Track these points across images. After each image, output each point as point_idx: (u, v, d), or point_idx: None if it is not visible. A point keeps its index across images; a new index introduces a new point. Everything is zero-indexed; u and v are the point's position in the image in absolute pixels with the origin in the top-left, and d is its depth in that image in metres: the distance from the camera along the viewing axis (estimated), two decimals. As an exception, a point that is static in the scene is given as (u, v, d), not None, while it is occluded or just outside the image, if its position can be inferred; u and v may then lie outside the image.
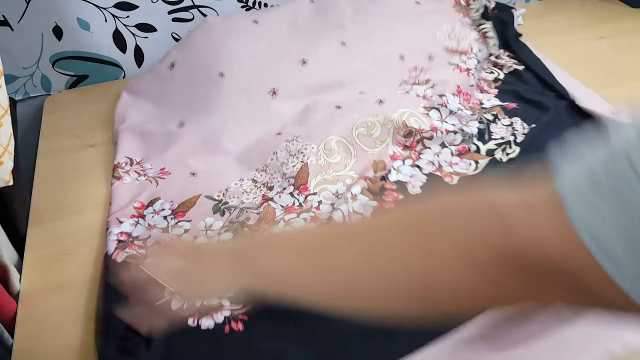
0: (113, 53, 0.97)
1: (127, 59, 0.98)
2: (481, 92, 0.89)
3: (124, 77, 1.00)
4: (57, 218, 0.72)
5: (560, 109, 0.86)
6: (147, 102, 0.88)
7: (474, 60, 0.93)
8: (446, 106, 0.82)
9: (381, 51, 0.90)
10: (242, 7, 1.00)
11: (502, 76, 0.94)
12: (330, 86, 0.86)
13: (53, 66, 0.94)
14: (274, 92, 0.84)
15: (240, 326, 0.57)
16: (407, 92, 0.86)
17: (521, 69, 0.95)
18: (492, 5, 1.06)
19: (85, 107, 0.93)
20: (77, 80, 0.98)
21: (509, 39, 1.02)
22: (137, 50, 0.98)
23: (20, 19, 0.86)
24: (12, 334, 0.59)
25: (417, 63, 0.90)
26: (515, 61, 0.97)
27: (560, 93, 0.89)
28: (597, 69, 0.96)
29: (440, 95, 0.84)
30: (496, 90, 0.90)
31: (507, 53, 0.99)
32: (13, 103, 0.93)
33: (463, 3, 1.02)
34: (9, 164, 0.61)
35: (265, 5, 1.01)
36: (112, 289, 0.59)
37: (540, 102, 0.86)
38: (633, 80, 0.94)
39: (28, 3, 0.85)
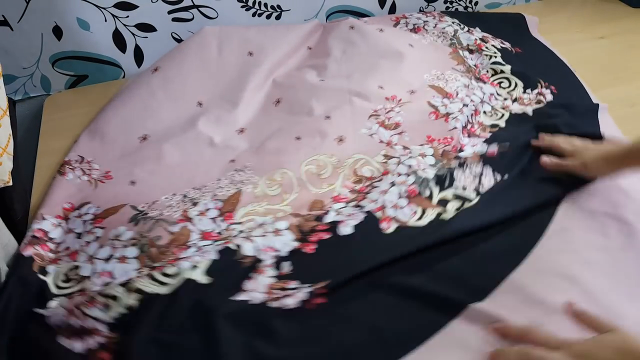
0: (113, 53, 0.97)
1: (126, 59, 0.98)
2: (469, 137, 0.81)
3: (123, 77, 1.00)
4: (57, 218, 0.72)
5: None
6: (125, 107, 0.87)
7: (457, 104, 0.84)
8: (408, 157, 0.76)
9: (358, 85, 0.88)
10: (242, 7, 1.00)
11: (503, 122, 0.84)
12: (298, 116, 0.84)
13: (53, 66, 0.94)
14: (239, 121, 0.85)
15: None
16: (371, 135, 0.80)
17: (544, 106, 0.86)
18: (509, 46, 1.02)
19: (85, 107, 0.92)
20: (77, 80, 0.98)
21: (542, 75, 0.92)
22: (137, 50, 0.98)
23: (20, 18, 0.86)
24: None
25: (397, 93, 0.87)
26: (542, 97, 0.88)
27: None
28: (597, 69, 0.96)
29: (405, 147, 0.78)
30: (488, 134, 0.81)
31: (537, 90, 0.89)
32: (12, 103, 0.93)
33: (462, 54, 0.98)
34: (8, 164, 0.61)
35: (265, 5, 1.01)
36: (11, 283, 0.59)
37: (527, 146, 0.76)
38: (633, 80, 0.94)
39: (28, 3, 0.85)
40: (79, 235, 0.67)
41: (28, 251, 0.63)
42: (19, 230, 0.69)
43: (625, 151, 0.65)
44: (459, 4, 1.17)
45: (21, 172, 0.74)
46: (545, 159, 0.72)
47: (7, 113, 0.61)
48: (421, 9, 1.15)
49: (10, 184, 0.61)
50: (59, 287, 0.60)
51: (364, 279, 0.60)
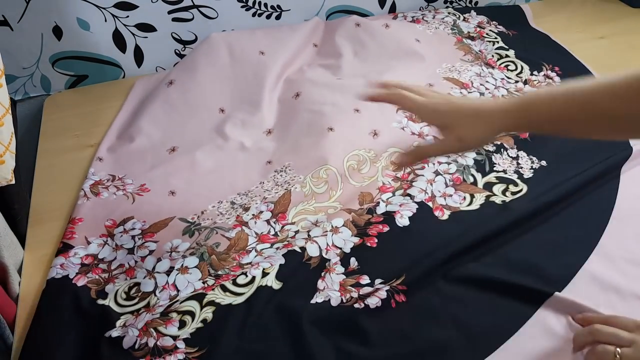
0: (113, 53, 0.96)
1: (127, 59, 0.98)
2: None
3: (123, 77, 1.00)
4: (57, 218, 0.72)
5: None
6: (147, 123, 0.86)
7: (475, 94, 0.89)
8: None
9: (378, 77, 0.90)
10: (242, 7, 1.00)
11: None
12: (323, 107, 0.85)
13: (53, 66, 0.94)
14: (265, 122, 0.86)
15: None
16: (403, 129, 0.82)
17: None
18: (505, 30, 1.06)
19: (85, 107, 0.93)
20: (77, 80, 0.98)
21: (543, 57, 0.98)
22: (137, 50, 0.98)
23: (20, 18, 0.86)
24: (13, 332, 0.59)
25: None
26: (551, 81, 0.93)
27: None
28: (597, 69, 0.96)
29: (436, 137, 0.80)
30: None
31: (543, 72, 0.94)
32: (13, 103, 0.93)
33: (466, 42, 1.01)
34: (11, 162, 0.61)
35: (265, 5, 1.01)
36: (63, 315, 0.58)
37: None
38: (633, 80, 0.94)
39: (28, 3, 0.85)
40: (131, 251, 0.66)
41: (81, 281, 0.62)
42: (18, 230, 0.69)
43: (524, 103, 0.50)
44: (459, 4, 1.17)
45: (21, 172, 0.73)
46: (396, 160, 0.58)
47: (10, 111, 0.61)
48: (421, 9, 1.15)
49: (13, 182, 0.61)
50: (120, 305, 0.59)
51: (439, 272, 0.61)
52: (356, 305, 0.59)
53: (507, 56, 0.99)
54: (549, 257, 0.63)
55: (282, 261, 0.62)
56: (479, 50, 1.01)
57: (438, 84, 0.91)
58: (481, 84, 0.92)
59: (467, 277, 0.61)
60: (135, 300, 0.60)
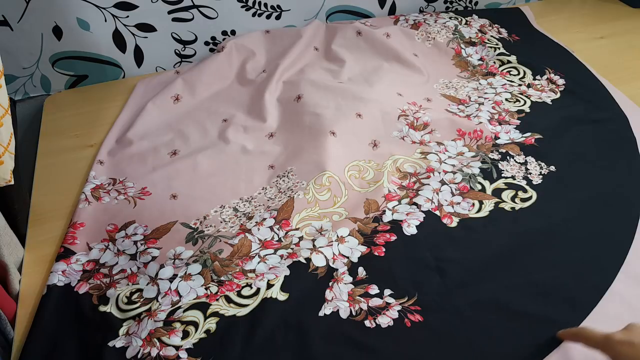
0: (113, 53, 0.97)
1: (126, 59, 0.98)
2: (500, 124, 0.84)
3: (123, 77, 1.00)
4: (57, 218, 0.72)
5: (596, 141, 0.79)
6: (149, 124, 0.87)
7: (474, 106, 0.89)
8: (445, 153, 0.79)
9: (379, 85, 0.91)
10: (242, 7, 1.00)
11: (527, 107, 0.88)
12: (325, 110, 0.85)
13: (53, 66, 0.94)
14: (267, 126, 0.86)
15: None
16: (403, 138, 0.82)
17: (560, 93, 0.90)
18: (507, 34, 1.06)
19: (85, 107, 0.93)
20: (77, 80, 0.98)
21: (546, 61, 0.98)
22: (137, 50, 0.98)
23: (20, 18, 0.86)
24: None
25: (416, 100, 0.90)
26: (554, 86, 0.92)
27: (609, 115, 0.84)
28: (597, 69, 0.96)
29: (439, 143, 0.81)
30: (518, 122, 0.84)
31: (546, 76, 0.94)
32: (13, 103, 0.93)
33: (465, 52, 1.01)
34: (10, 163, 0.61)
35: (265, 5, 1.01)
36: (65, 324, 0.58)
37: (567, 134, 0.81)
38: (633, 79, 0.94)
39: (28, 3, 0.85)
40: (133, 257, 0.66)
41: (83, 288, 0.62)
42: (18, 230, 0.69)
43: None
44: (459, 4, 1.17)
45: (21, 172, 0.73)
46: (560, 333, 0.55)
47: (9, 112, 0.61)
48: (421, 9, 1.15)
49: (12, 182, 0.61)
50: (122, 310, 0.59)
51: (456, 292, 0.59)
52: (367, 324, 0.57)
53: (509, 62, 0.98)
54: (574, 278, 0.61)
55: (287, 272, 0.62)
56: (480, 59, 1.00)
57: (436, 99, 0.91)
58: (479, 97, 0.91)
59: (486, 300, 0.58)
60: (137, 305, 0.60)
